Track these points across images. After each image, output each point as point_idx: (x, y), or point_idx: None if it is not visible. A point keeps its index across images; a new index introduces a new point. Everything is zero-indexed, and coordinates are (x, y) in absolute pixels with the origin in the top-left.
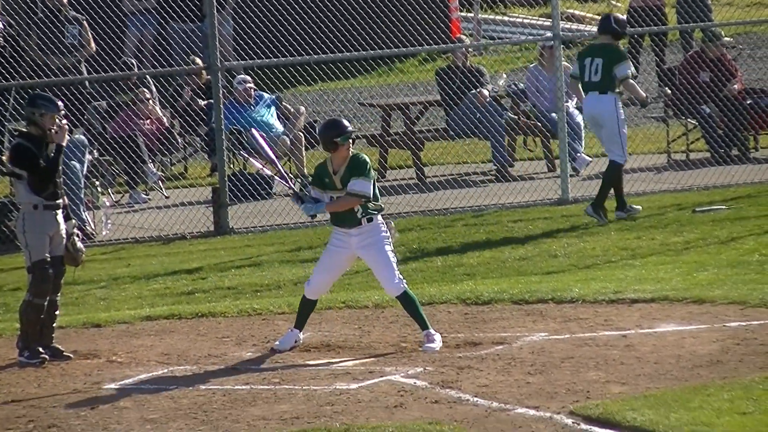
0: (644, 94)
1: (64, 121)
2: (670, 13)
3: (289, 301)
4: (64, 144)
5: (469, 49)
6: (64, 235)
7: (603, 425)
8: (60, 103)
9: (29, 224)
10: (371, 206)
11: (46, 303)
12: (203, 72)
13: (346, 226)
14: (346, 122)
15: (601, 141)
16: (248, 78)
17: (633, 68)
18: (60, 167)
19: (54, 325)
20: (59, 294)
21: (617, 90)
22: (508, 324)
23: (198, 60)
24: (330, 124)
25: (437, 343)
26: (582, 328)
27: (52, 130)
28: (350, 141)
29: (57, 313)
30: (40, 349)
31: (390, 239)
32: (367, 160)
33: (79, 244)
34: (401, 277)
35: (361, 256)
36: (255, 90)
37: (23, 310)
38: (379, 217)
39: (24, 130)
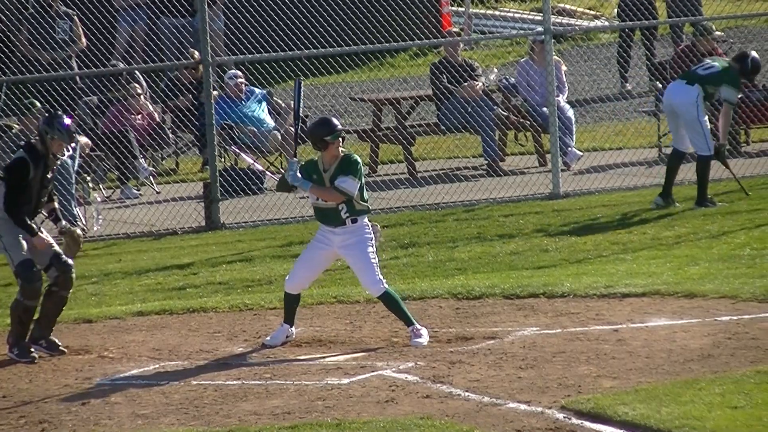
0: (726, 139)
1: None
2: (661, 7)
3: (280, 296)
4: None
5: (460, 44)
6: (52, 242)
7: (594, 419)
8: (76, 136)
9: (3, 228)
10: (357, 207)
11: (37, 303)
12: (200, 67)
13: (330, 224)
14: (335, 120)
15: (673, 135)
16: (239, 73)
17: (737, 99)
18: (42, 199)
19: (56, 318)
20: (70, 290)
21: (705, 99)
22: (500, 319)
23: (196, 54)
24: (320, 122)
25: (424, 338)
26: (573, 323)
27: (56, 156)
28: (340, 139)
29: (62, 308)
30: (32, 348)
31: (373, 241)
32: (359, 160)
33: (78, 231)
34: (381, 277)
35: (342, 255)
36: (246, 85)
37: (13, 307)
38: (366, 218)
39: (27, 142)
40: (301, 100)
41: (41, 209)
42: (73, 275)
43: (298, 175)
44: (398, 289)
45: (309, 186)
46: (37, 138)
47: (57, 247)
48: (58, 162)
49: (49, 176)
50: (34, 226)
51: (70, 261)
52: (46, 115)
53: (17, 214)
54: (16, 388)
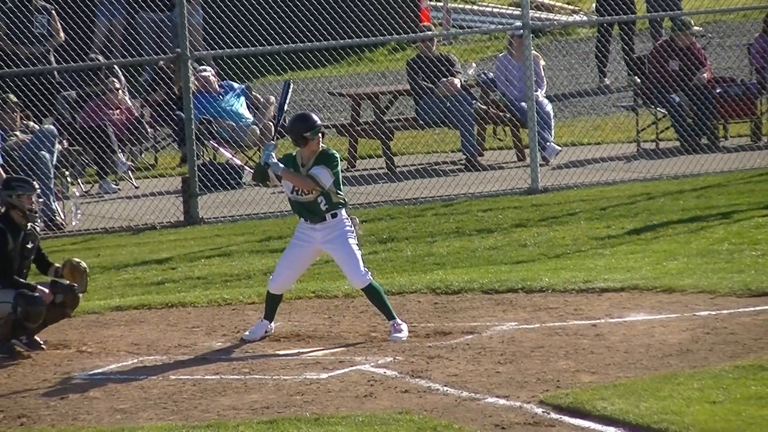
0: None
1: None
2: (639, 2)
3: (258, 291)
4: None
5: (439, 38)
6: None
7: (573, 414)
8: (35, 183)
9: None
10: (334, 199)
11: (36, 326)
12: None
13: (310, 221)
14: (315, 116)
15: None
16: (208, 67)
17: None
18: (24, 270)
19: (48, 326)
20: (74, 309)
21: None
22: (478, 313)
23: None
24: (299, 118)
25: (404, 333)
26: (552, 318)
27: (31, 210)
28: (320, 135)
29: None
30: (16, 344)
31: (354, 233)
32: (336, 155)
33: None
34: (366, 269)
35: (325, 250)
36: (217, 79)
37: (9, 321)
38: (344, 212)
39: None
40: (287, 99)
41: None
42: (81, 294)
43: (273, 155)
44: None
45: (281, 169)
46: (9, 211)
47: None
48: (38, 229)
49: (29, 246)
50: (30, 282)
51: (74, 284)
52: (1, 188)
53: (7, 281)
54: None
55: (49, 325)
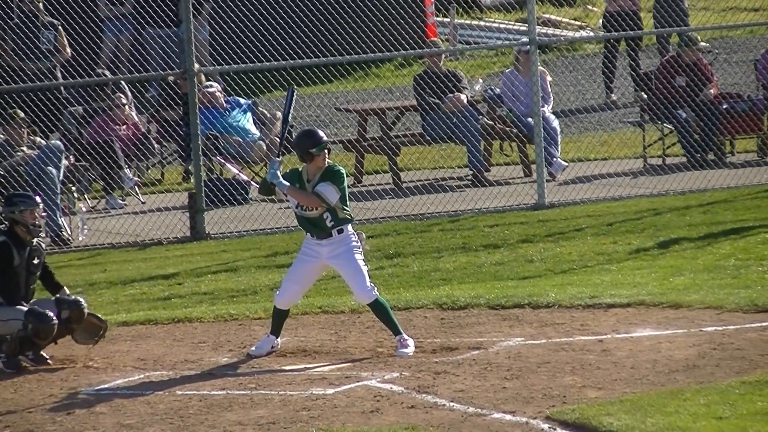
0: None
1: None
2: (646, 18)
3: (265, 307)
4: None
5: (446, 54)
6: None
7: (579, 430)
8: (38, 198)
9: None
10: (340, 215)
11: (47, 344)
12: (203, 76)
13: (316, 236)
14: (321, 132)
15: None
16: (214, 83)
17: None
18: (31, 287)
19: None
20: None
21: None
22: (485, 329)
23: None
24: (305, 134)
25: (410, 348)
26: (558, 333)
27: (35, 224)
28: (326, 151)
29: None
30: (22, 359)
31: (360, 249)
32: (343, 172)
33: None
34: (373, 284)
35: (332, 265)
36: (222, 94)
37: (15, 335)
38: (350, 227)
39: (5, 228)
40: (292, 107)
41: (31, 298)
42: (85, 309)
43: (278, 173)
44: None
45: (286, 187)
46: (13, 227)
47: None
48: (43, 246)
49: (35, 261)
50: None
51: (80, 299)
52: (3, 203)
53: (10, 301)
54: (1, 397)
55: (55, 341)
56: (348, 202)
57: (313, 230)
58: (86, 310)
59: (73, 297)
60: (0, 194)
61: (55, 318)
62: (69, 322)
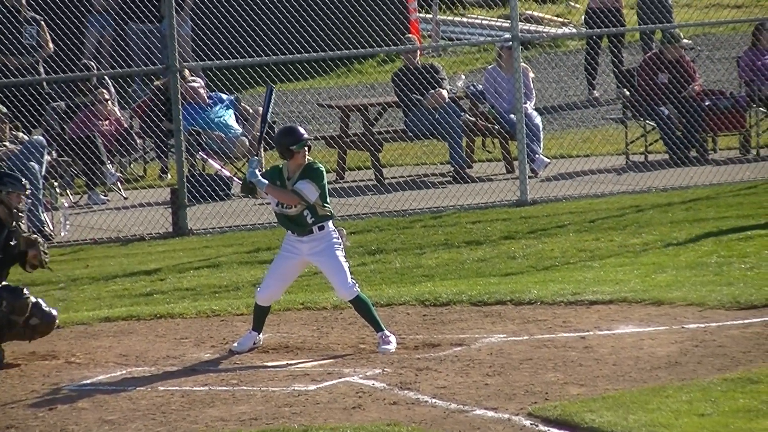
0: None
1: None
2: (629, 14)
3: (247, 303)
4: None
5: (428, 50)
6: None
7: (561, 427)
8: (26, 182)
9: None
10: (320, 212)
11: (23, 319)
12: (188, 72)
13: (297, 233)
14: (301, 129)
15: None
16: (196, 78)
17: None
18: (5, 270)
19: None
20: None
21: None
22: (467, 325)
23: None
24: (285, 131)
25: (392, 345)
26: (540, 330)
27: (18, 209)
28: (306, 148)
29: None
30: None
31: (341, 245)
32: (322, 169)
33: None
34: (354, 281)
35: (312, 262)
36: (205, 90)
37: None
38: (330, 224)
39: None
40: (270, 106)
41: (4, 280)
42: (56, 325)
43: (257, 172)
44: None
45: (265, 185)
46: None
47: (37, 299)
48: (23, 227)
49: (12, 243)
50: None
51: (53, 312)
52: None
53: None
54: None
55: (10, 341)
56: (329, 199)
57: (294, 228)
58: (55, 326)
59: (49, 309)
60: None
61: (28, 294)
62: (34, 331)
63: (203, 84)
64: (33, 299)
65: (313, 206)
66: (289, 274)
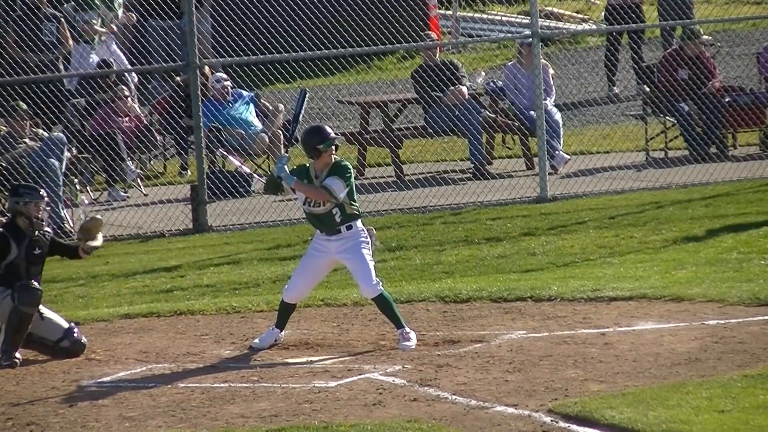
0: None
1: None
2: (649, 11)
3: (267, 299)
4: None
5: (448, 47)
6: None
7: (581, 423)
8: (43, 191)
9: None
10: (348, 210)
11: (35, 311)
12: (207, 68)
13: (325, 232)
14: (328, 128)
15: None
16: (225, 76)
17: None
18: (35, 275)
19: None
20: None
21: None
22: (487, 322)
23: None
24: (312, 130)
25: (412, 341)
26: (560, 326)
27: (38, 218)
28: (333, 147)
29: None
30: (16, 354)
31: (369, 244)
32: (350, 167)
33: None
34: (378, 279)
35: (340, 260)
36: (233, 87)
37: (10, 318)
38: (359, 223)
39: (7, 219)
40: (303, 108)
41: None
42: (83, 351)
43: (286, 168)
44: None
45: (293, 180)
46: (15, 218)
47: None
48: (46, 234)
49: (36, 252)
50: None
51: (84, 340)
52: (8, 193)
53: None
54: (4, 390)
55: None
56: (356, 197)
57: (322, 226)
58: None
59: (80, 337)
60: (3, 186)
61: (39, 288)
62: (67, 353)
63: (228, 81)
64: (67, 324)
65: (342, 204)
66: (317, 272)
